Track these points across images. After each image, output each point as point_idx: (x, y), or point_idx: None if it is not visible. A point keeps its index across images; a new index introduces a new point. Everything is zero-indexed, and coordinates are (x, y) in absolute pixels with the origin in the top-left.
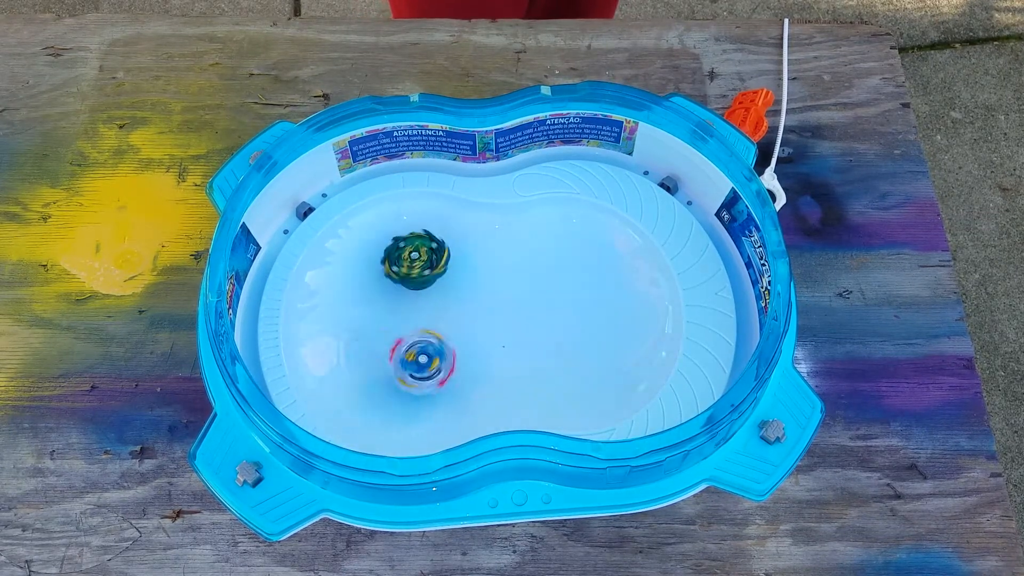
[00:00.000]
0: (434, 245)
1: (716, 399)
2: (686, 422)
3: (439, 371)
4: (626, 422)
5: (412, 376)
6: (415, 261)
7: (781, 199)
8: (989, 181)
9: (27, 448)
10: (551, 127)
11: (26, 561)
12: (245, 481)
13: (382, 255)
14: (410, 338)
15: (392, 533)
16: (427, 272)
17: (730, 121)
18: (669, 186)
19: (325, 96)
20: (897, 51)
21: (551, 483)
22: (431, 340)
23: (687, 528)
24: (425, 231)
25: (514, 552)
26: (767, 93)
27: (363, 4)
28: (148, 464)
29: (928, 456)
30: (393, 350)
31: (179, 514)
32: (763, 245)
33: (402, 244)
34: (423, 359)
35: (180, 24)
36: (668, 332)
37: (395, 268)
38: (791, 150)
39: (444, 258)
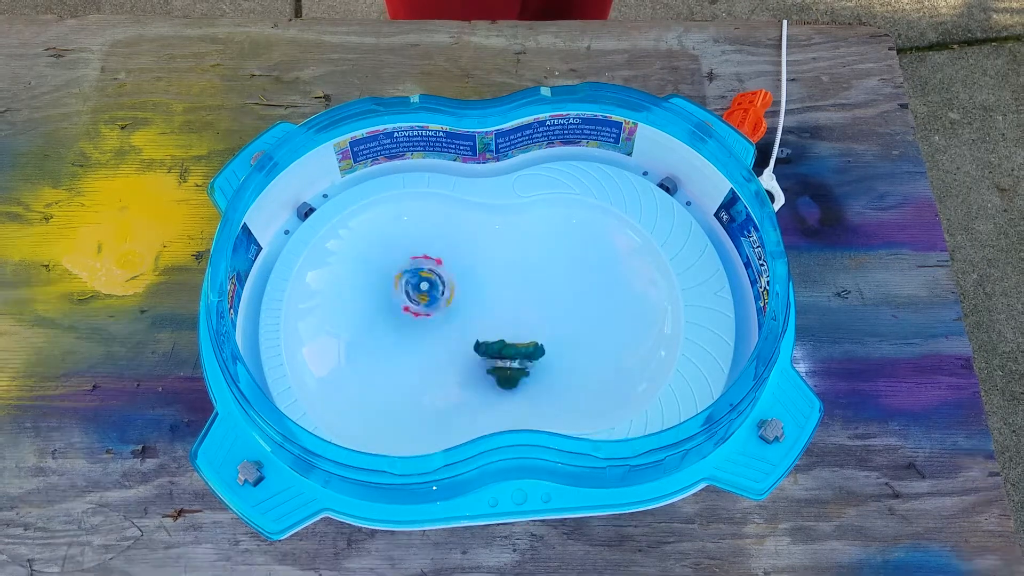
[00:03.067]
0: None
1: (715, 399)
2: (685, 421)
3: (441, 295)
4: (626, 422)
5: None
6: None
7: (780, 199)
8: (987, 181)
9: (29, 447)
10: (551, 128)
11: (28, 560)
12: (246, 480)
13: (487, 360)
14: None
15: (392, 532)
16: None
17: (729, 122)
18: (668, 187)
19: (326, 97)
20: (895, 52)
21: (551, 482)
22: (432, 269)
23: (686, 527)
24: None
25: (514, 551)
26: (766, 94)
27: (364, 5)
28: (150, 463)
29: (926, 455)
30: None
31: (180, 513)
32: (762, 245)
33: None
34: (424, 286)
35: (181, 25)
36: (667, 332)
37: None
38: (790, 151)
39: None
